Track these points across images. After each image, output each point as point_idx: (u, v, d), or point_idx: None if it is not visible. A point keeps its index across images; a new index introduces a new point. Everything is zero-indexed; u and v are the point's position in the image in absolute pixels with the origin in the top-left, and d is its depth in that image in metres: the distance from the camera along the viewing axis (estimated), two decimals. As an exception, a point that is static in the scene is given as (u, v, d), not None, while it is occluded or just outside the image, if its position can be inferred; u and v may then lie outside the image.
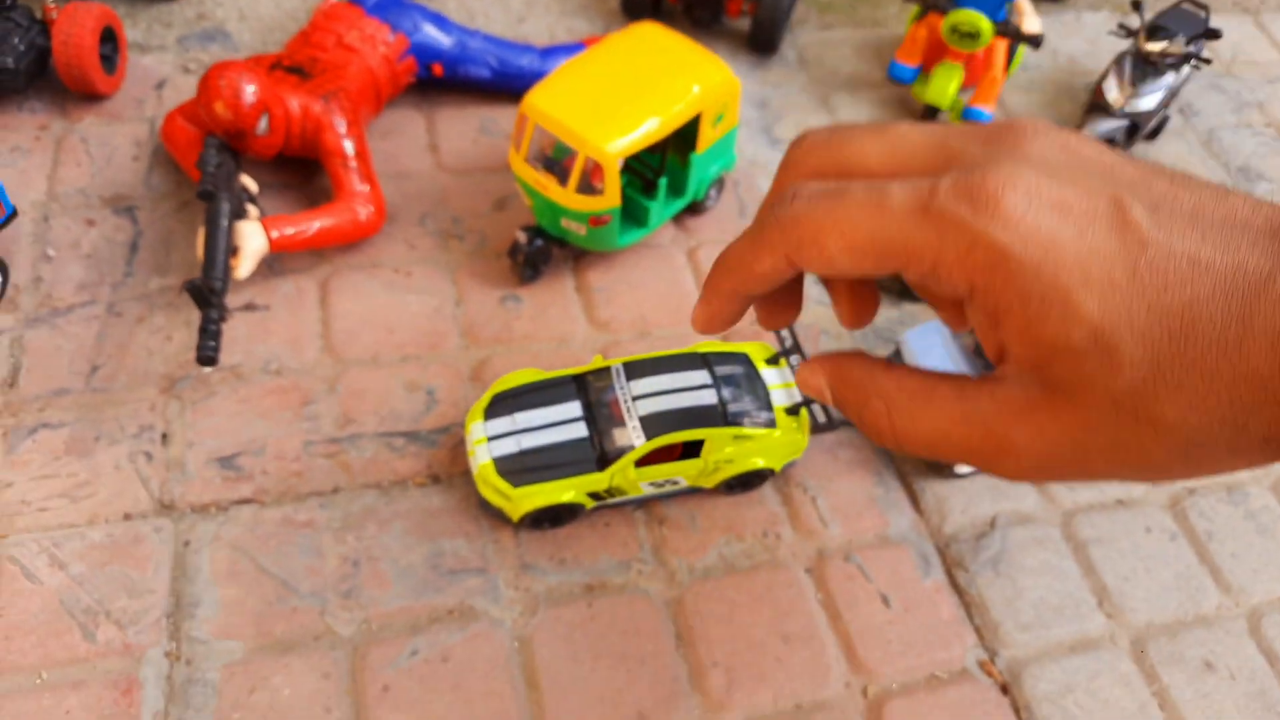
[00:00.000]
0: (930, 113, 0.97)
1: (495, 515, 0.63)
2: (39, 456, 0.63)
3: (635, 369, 0.63)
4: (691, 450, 0.64)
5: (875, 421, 0.40)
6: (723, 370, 0.64)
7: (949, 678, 0.63)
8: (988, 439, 0.38)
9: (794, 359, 0.66)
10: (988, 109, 0.95)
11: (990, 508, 0.71)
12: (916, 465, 0.72)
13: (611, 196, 0.70)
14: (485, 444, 0.61)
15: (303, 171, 0.81)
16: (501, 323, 0.75)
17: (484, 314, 0.75)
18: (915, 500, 0.70)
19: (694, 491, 0.66)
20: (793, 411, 0.65)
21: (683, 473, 0.63)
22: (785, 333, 0.67)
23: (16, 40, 0.77)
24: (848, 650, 0.62)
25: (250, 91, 0.68)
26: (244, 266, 0.67)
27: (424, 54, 0.83)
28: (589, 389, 0.63)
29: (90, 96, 0.82)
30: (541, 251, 0.75)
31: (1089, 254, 0.35)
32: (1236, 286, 0.33)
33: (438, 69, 0.84)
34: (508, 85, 0.87)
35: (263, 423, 0.66)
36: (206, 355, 0.59)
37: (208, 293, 0.60)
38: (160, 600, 0.58)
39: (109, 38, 0.82)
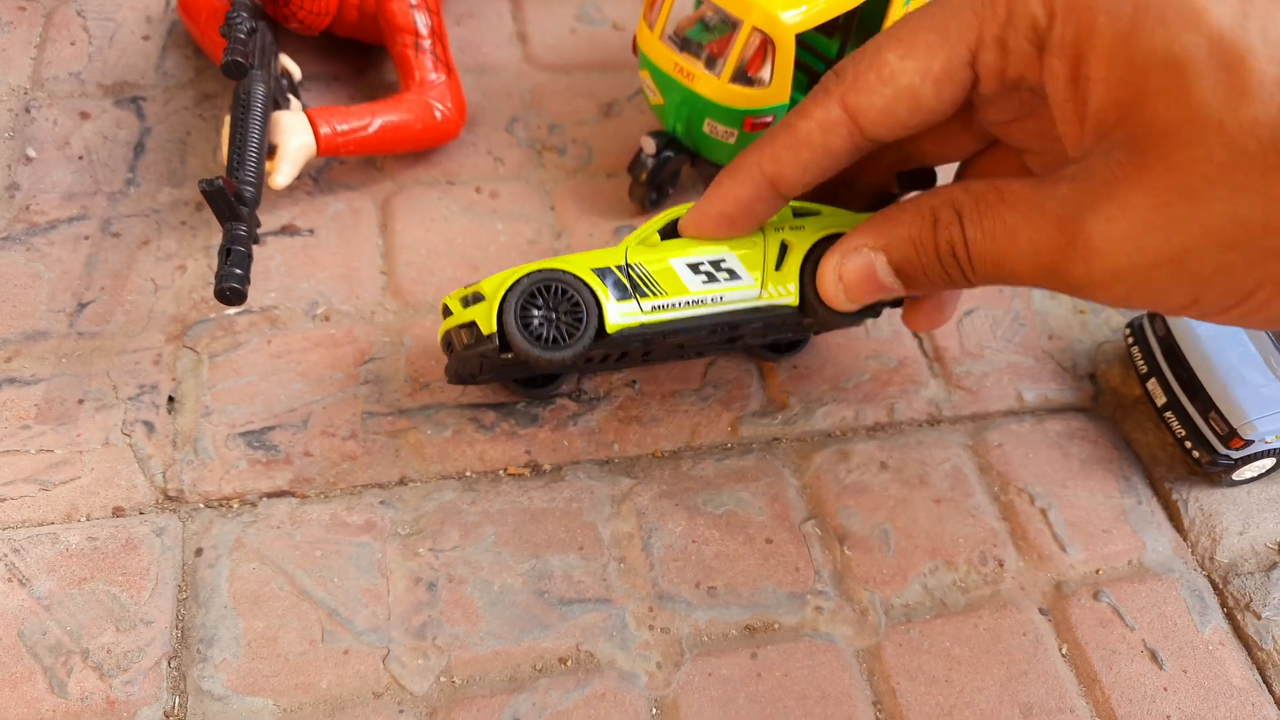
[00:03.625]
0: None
1: (464, 374, 0.44)
2: (1, 424, 0.46)
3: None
4: None
5: (947, 235, 0.34)
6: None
7: (1252, 772, 0.44)
8: (1056, 234, 0.30)
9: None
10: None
11: (1276, 528, 0.52)
12: (1172, 468, 0.53)
13: (779, 89, 0.51)
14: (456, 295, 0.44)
15: (357, 60, 0.63)
16: (616, 261, 0.56)
17: (594, 249, 0.57)
18: (1175, 515, 0.52)
19: (776, 318, 0.42)
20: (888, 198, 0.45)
21: (735, 247, 0.42)
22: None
23: (-8, -124, 0.59)
24: (1111, 729, 0.44)
25: (294, -68, 0.50)
26: (283, 171, 0.49)
27: (515, -88, 0.64)
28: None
29: (90, -39, 0.64)
30: (670, 167, 0.57)
31: None
32: None
33: (531, -66, 0.65)
34: (616, -39, 0.68)
35: (305, 385, 0.49)
36: (230, 288, 0.42)
37: (233, 199, 0.43)
38: (160, 635, 0.41)
39: (113, -117, 0.63)
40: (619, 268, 0.41)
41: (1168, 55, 0.27)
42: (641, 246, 0.41)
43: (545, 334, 0.40)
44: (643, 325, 0.41)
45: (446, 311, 0.45)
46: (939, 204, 0.35)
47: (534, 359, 0.39)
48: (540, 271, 0.40)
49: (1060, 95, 0.31)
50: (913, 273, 0.36)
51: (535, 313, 0.40)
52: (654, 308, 0.41)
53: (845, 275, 0.38)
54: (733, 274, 0.41)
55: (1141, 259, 0.28)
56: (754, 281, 0.41)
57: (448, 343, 0.44)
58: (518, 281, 0.40)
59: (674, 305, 0.41)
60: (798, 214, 0.43)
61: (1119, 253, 0.29)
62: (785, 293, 0.42)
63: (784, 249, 0.42)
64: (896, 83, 0.34)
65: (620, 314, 0.41)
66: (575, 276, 0.40)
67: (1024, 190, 0.32)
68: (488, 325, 0.40)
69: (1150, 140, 0.28)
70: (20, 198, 0.53)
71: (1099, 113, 0.30)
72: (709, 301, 0.41)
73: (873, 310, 0.43)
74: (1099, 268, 0.29)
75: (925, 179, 0.43)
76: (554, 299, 0.40)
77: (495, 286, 0.41)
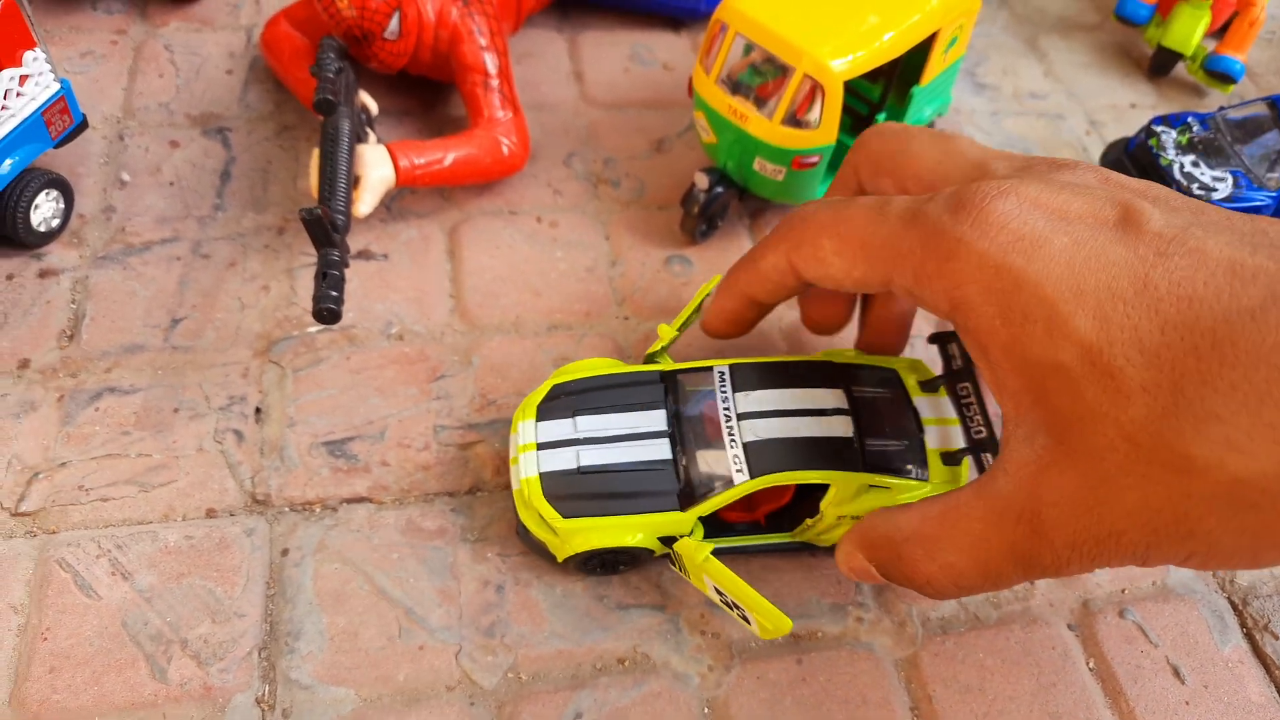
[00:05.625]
0: (1165, 61, 0.80)
1: (534, 550, 0.47)
2: (103, 430, 0.49)
3: (745, 375, 0.46)
4: (800, 500, 0.47)
5: (921, 571, 0.36)
6: (863, 390, 0.46)
7: (1270, 784, 0.47)
8: (1022, 526, 0.32)
9: (963, 389, 0.46)
10: (1239, 58, 0.78)
11: (1293, 554, 0.55)
12: (1194, 494, 0.56)
13: (827, 131, 0.55)
14: (533, 452, 0.45)
15: (424, 96, 0.67)
16: (667, 289, 0.60)
17: (645, 277, 0.60)
18: (1197, 540, 0.55)
19: (764, 551, 0.49)
20: (952, 460, 0.46)
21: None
22: (955, 349, 0.48)
23: (94, -78, 0.63)
24: (1136, 739, 0.47)
25: (381, -19, 0.54)
26: (366, 200, 0.53)
27: (575, -41, 0.68)
28: (680, 394, 0.46)
29: (176, -2, 0.69)
30: (720, 202, 0.60)
31: (1086, 262, 0.30)
32: None
33: (588, -20, 0.69)
34: (667, 5, 0.72)
35: (381, 399, 0.52)
36: (328, 309, 0.45)
37: (329, 226, 0.46)
38: (251, 628, 0.44)
39: (201, -73, 0.68)
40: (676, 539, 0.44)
41: (1052, 363, 0.30)
42: (692, 541, 0.44)
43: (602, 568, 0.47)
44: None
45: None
46: (903, 541, 0.37)
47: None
48: (602, 554, 0.45)
49: (979, 363, 0.34)
50: (892, 577, 0.39)
51: (595, 566, 0.46)
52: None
53: (854, 573, 0.41)
54: (746, 620, 0.44)
55: (1088, 534, 0.30)
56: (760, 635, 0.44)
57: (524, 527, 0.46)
58: (584, 554, 0.45)
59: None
60: (872, 489, 0.44)
61: (1069, 529, 0.31)
62: (822, 542, 0.48)
63: (825, 528, 0.46)
64: (825, 268, 0.38)
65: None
66: (644, 552, 0.45)
67: (972, 502, 0.34)
68: (561, 556, 0.45)
69: (1063, 427, 0.30)
70: (116, 220, 0.58)
71: (1015, 394, 0.32)
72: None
73: None
74: (1059, 543, 0.31)
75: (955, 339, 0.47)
76: (611, 559, 0.46)
77: (570, 541, 0.44)
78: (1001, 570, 0.34)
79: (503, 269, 0.59)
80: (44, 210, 0.54)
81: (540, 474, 0.44)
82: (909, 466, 0.45)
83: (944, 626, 0.49)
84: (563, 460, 0.44)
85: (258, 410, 0.51)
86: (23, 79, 0.51)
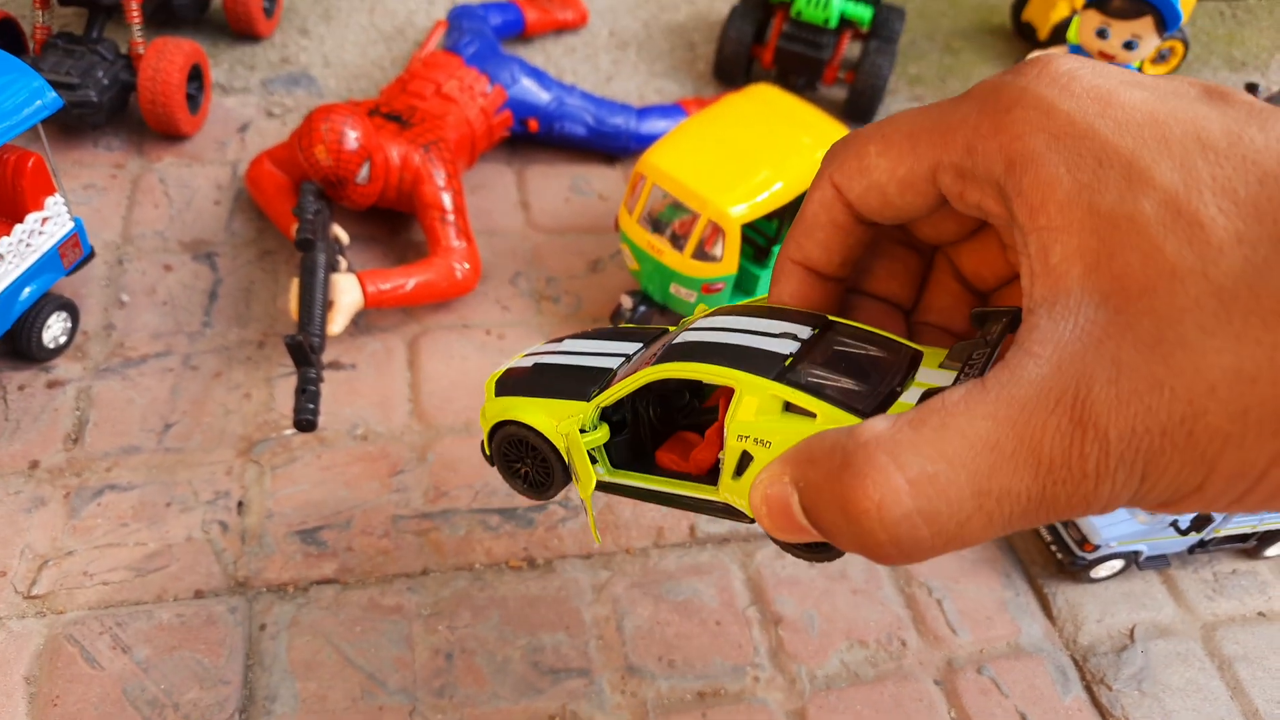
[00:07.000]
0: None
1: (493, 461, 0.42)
2: (104, 522, 0.57)
3: (733, 311, 0.38)
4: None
5: (874, 488, 0.25)
6: (845, 340, 0.34)
7: (1100, 814, 0.56)
8: (1054, 414, 0.24)
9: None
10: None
11: (1127, 617, 0.65)
12: (1046, 567, 0.66)
13: (729, 263, 0.65)
14: (512, 361, 0.43)
15: (389, 224, 0.77)
16: (598, 393, 0.69)
17: (580, 382, 0.70)
18: (1047, 606, 0.64)
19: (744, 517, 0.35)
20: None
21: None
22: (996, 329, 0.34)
23: (101, 74, 0.73)
24: (988, 778, 0.56)
25: (353, 137, 0.64)
26: (338, 321, 0.62)
27: (521, 108, 0.79)
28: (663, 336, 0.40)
29: (169, 136, 0.79)
30: (643, 317, 0.70)
31: (1170, 114, 0.26)
32: None
33: (533, 124, 0.81)
34: (602, 144, 0.84)
35: (348, 493, 0.61)
36: (306, 420, 0.54)
37: (308, 349, 0.55)
38: (234, 693, 0.52)
39: (194, 76, 0.78)
40: (564, 439, 0.38)
41: (1126, 215, 0.25)
42: (575, 422, 0.37)
43: (526, 476, 0.40)
44: (605, 484, 0.38)
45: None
46: (860, 444, 0.26)
47: (521, 494, 0.41)
48: (510, 427, 0.39)
49: (1024, 231, 0.28)
50: (823, 525, 0.28)
51: (515, 457, 0.40)
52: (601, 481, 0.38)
53: (766, 506, 0.30)
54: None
55: (1155, 421, 0.24)
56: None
57: None
58: (498, 426, 0.40)
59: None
60: (790, 408, 0.33)
61: (1130, 412, 0.24)
62: (745, 505, 0.34)
63: (745, 460, 0.34)
64: (869, 176, 0.33)
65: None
66: (540, 435, 0.39)
67: (975, 395, 0.26)
68: (485, 434, 0.41)
69: (1129, 292, 0.25)
70: (116, 336, 0.66)
71: (1060, 264, 0.26)
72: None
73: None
74: (1113, 435, 0.24)
75: (1004, 319, 0.33)
76: (526, 450, 0.40)
77: (495, 412, 0.40)
78: (1008, 488, 0.25)
79: (456, 376, 0.68)
80: (54, 329, 0.63)
81: (506, 369, 0.42)
82: (855, 404, 0.31)
83: (828, 683, 0.58)
84: (527, 362, 0.42)
85: (240, 504, 0.59)
86: (44, 220, 0.60)
